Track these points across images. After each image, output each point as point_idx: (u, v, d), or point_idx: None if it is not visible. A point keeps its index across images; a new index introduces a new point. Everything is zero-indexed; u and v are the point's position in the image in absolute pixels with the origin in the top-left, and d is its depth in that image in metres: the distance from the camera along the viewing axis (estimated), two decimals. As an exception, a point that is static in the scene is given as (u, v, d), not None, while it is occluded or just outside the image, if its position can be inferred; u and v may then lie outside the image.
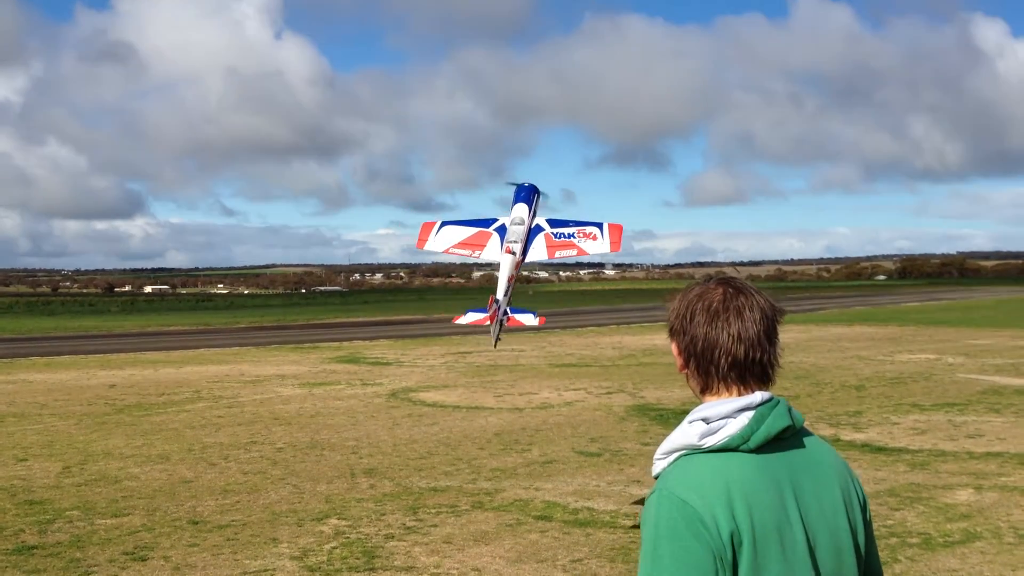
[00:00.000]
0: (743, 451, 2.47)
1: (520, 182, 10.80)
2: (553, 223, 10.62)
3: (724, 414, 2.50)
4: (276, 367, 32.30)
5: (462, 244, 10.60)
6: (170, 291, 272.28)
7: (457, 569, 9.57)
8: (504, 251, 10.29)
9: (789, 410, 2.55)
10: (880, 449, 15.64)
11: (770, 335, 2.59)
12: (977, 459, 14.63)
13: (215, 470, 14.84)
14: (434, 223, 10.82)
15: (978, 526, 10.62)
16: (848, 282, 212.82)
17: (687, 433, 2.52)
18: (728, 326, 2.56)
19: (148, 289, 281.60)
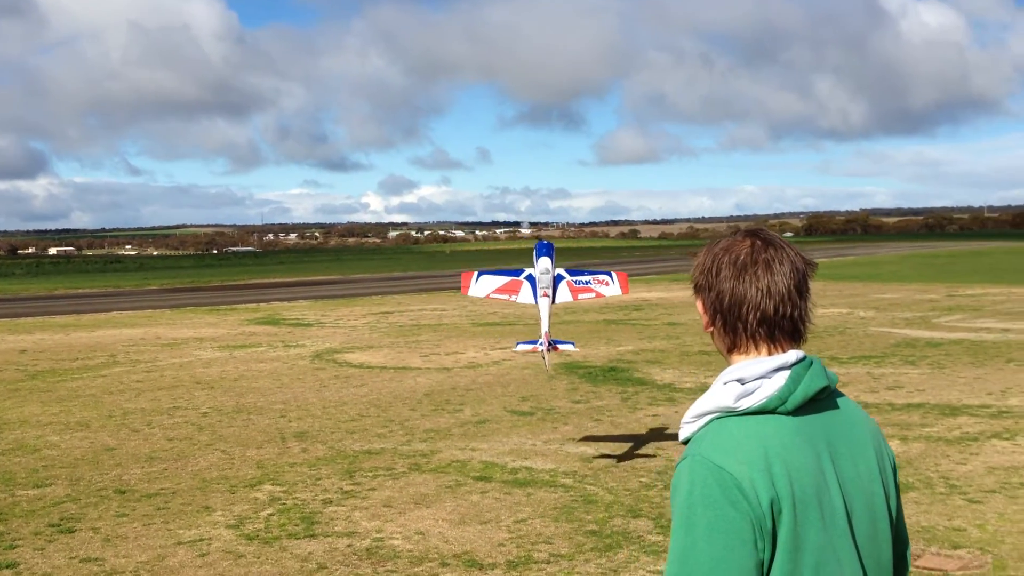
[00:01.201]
0: (780, 413, 2.36)
1: (541, 241, 13.19)
2: (571, 272, 12.82)
3: (759, 374, 2.37)
4: (193, 330, 31.60)
5: (499, 290, 12.72)
6: (76, 253, 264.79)
7: (400, 532, 9.43)
8: (542, 295, 12.42)
9: (824, 369, 2.44)
10: (806, 403, 15.90)
11: (801, 290, 2.47)
12: (899, 410, 14.95)
13: (139, 437, 14.42)
14: (472, 273, 13.00)
15: (909, 476, 10.83)
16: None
17: (721, 395, 2.39)
18: (756, 280, 2.43)
19: (53, 251, 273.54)
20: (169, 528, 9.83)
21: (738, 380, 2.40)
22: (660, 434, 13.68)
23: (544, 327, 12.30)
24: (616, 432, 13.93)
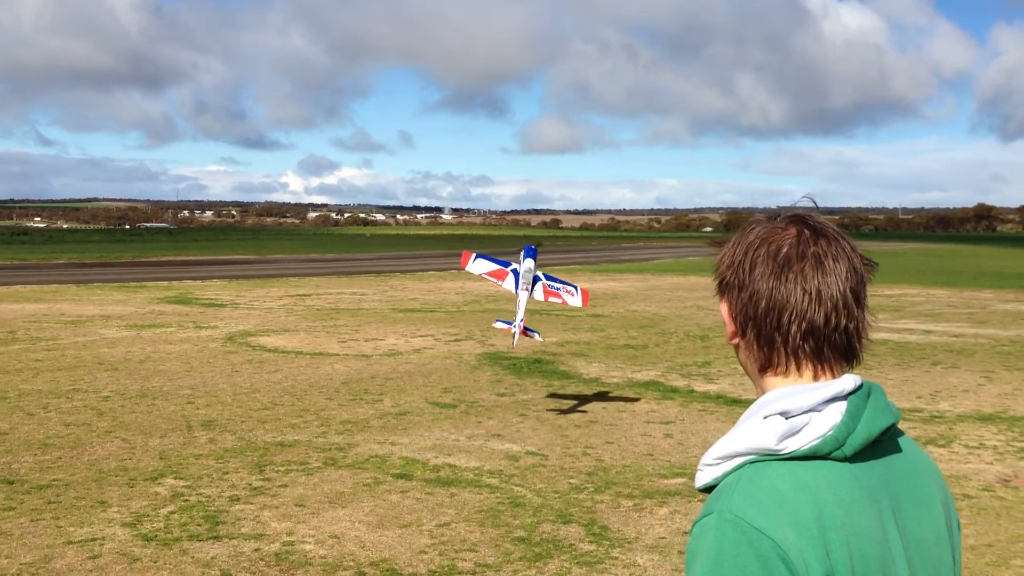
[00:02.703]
0: (834, 459, 1.77)
1: (529, 245, 15.35)
2: (548, 277, 15.17)
3: (808, 406, 1.78)
4: (100, 307, 30.25)
5: (491, 274, 15.14)
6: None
7: (313, 536, 8.73)
8: (522, 289, 14.61)
9: (887, 401, 1.86)
10: (735, 401, 15.55)
11: (859, 296, 1.88)
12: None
13: (33, 421, 13.43)
14: (471, 253, 15.57)
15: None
16: (678, 233, 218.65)
17: (760, 432, 1.78)
18: (803, 280, 1.84)
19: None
20: (59, 525, 8.99)
21: (781, 413, 1.81)
22: (589, 432, 13.16)
23: (520, 315, 14.28)
24: (543, 428, 13.37)
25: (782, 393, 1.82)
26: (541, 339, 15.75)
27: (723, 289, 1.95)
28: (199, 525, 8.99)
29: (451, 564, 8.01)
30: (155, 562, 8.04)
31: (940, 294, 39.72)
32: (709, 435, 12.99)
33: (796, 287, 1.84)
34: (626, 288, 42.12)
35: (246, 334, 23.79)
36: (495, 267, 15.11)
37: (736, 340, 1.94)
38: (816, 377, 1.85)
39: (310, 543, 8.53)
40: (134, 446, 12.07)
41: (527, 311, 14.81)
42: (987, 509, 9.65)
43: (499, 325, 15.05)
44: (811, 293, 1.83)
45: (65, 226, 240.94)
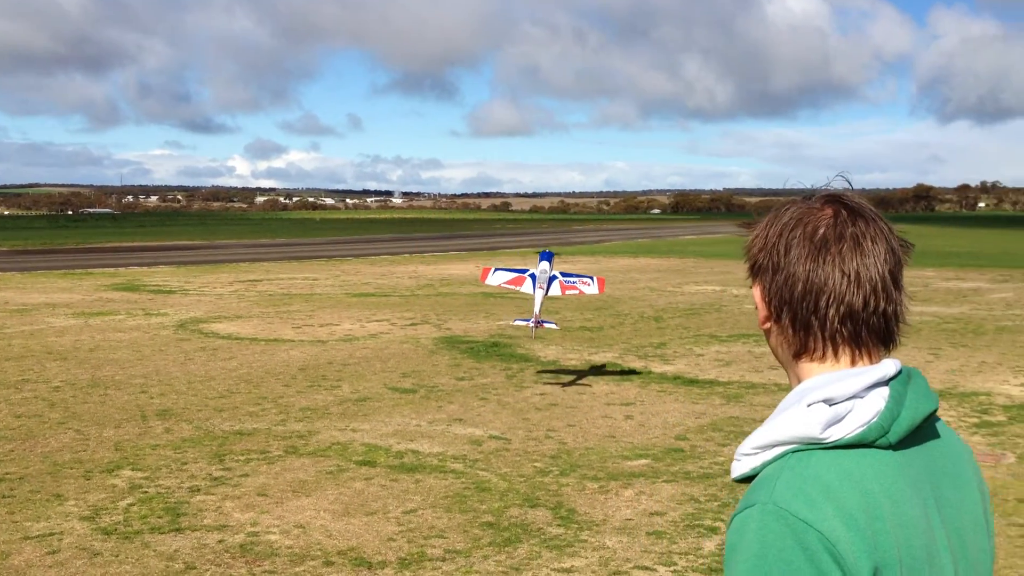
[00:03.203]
0: (878, 447, 1.73)
1: (545, 251, 17.40)
2: (564, 275, 17.09)
3: (851, 393, 1.73)
4: (45, 295, 29.65)
5: (510, 282, 17.01)
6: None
7: (277, 526, 8.61)
8: (538, 287, 16.46)
9: (928, 385, 1.82)
10: (692, 381, 15.62)
11: (897, 278, 1.83)
12: (786, 390, 14.75)
13: (-18, 414, 13.11)
14: (490, 268, 17.63)
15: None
16: (627, 215, 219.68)
17: (803, 420, 1.72)
18: (842, 262, 1.78)
19: None
20: (15, 520, 8.77)
21: (825, 400, 1.75)
22: (550, 415, 13.14)
23: (536, 310, 16.15)
24: (504, 412, 13.33)
25: (824, 379, 1.77)
26: (556, 327, 17.47)
27: (756, 272, 1.89)
28: (160, 517, 8.83)
29: (420, 551, 7.94)
30: (116, 556, 7.88)
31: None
32: (669, 415, 13.05)
33: (834, 269, 1.78)
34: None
35: (198, 321, 23.46)
36: (512, 275, 17.17)
37: (768, 325, 1.88)
38: (854, 362, 1.81)
39: (275, 533, 8.41)
40: (88, 437, 11.83)
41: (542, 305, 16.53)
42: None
43: (518, 323, 17.15)
44: (850, 275, 1.78)
45: (6, 212, 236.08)
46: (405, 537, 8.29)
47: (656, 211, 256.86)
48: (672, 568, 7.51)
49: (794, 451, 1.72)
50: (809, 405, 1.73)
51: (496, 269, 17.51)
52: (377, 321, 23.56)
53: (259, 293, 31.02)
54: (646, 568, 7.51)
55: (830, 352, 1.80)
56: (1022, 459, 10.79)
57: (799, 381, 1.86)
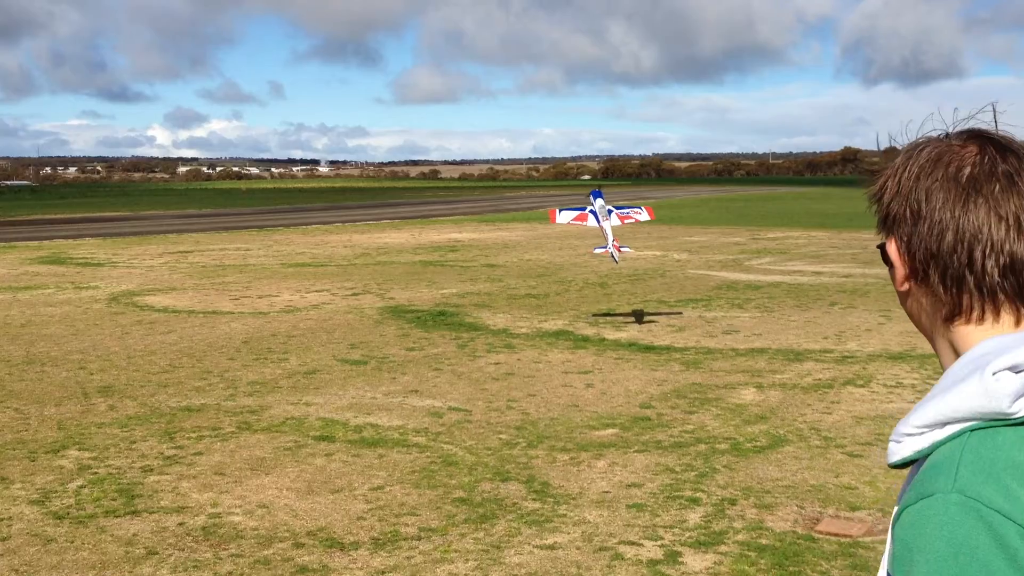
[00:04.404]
0: None
1: (595, 190, 19.81)
2: (619, 207, 19.57)
3: None
4: (-33, 269, 28.49)
5: (576, 218, 19.14)
6: None
7: (239, 506, 8.21)
8: (603, 220, 18.51)
9: None
10: (648, 348, 15.47)
11: None
12: (744, 356, 14.72)
13: (-91, 394, 12.43)
14: (555, 209, 19.82)
15: (779, 428, 10.44)
16: (558, 181, 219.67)
17: (986, 391, 1.42)
18: (996, 204, 1.50)
19: None
20: (-46, 507, 8.25)
21: (1011, 368, 1.46)
22: (508, 385, 12.86)
23: (610, 237, 18.19)
24: (460, 383, 13.02)
25: (1002, 344, 1.48)
26: (630, 251, 20.54)
27: (889, 224, 1.60)
28: (113, 500, 8.37)
29: (393, 530, 7.62)
30: (72, 542, 7.43)
31: (820, 236, 40.71)
32: (630, 383, 12.87)
33: (989, 213, 1.50)
34: (516, 237, 41.92)
35: (131, 294, 22.71)
36: (577, 213, 19.28)
37: (908, 285, 1.59)
38: (1019, 323, 1.53)
39: (238, 514, 8.02)
40: (28, 416, 11.27)
41: (614, 234, 18.49)
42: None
43: (598, 251, 19.20)
44: (1007, 219, 1.50)
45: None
46: (375, 515, 7.95)
47: (586, 177, 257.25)
48: (659, 543, 7.28)
49: (973, 428, 1.44)
50: (995, 373, 1.43)
51: (562, 209, 19.77)
52: (317, 291, 23.05)
53: (191, 264, 30.20)
54: (633, 543, 7.27)
55: (990, 312, 1.52)
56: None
57: (953, 349, 1.58)
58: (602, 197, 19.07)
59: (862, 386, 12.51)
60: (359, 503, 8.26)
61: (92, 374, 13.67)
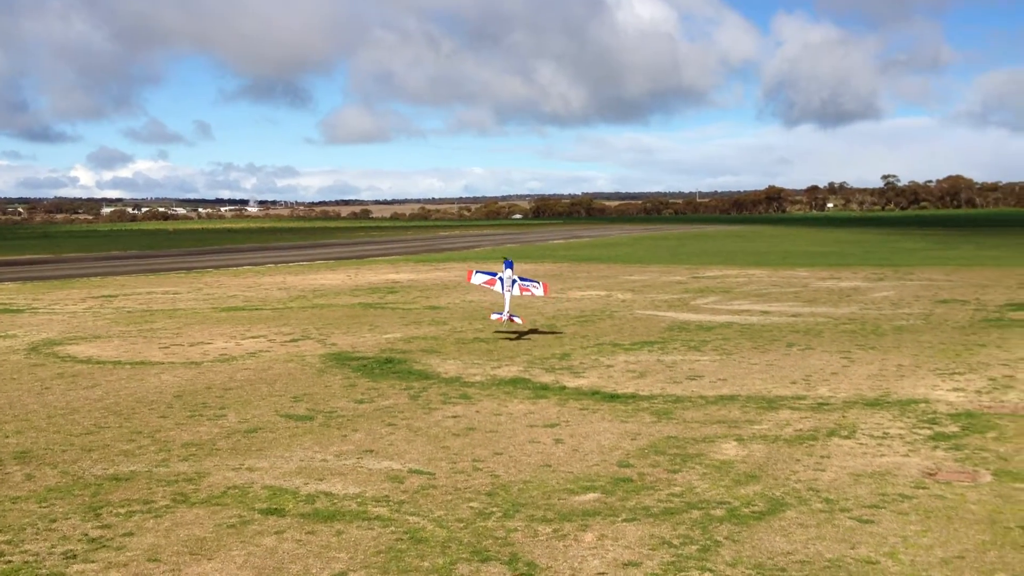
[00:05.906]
0: None
1: (508, 259, 23.22)
2: (522, 278, 22.56)
3: None
4: None
5: (486, 282, 22.82)
6: None
7: (178, 601, 7.04)
8: (505, 290, 22.01)
9: None
10: (613, 396, 14.55)
11: None
12: (714, 404, 13.87)
13: None
14: (472, 270, 23.83)
15: (774, 490, 9.54)
16: (489, 220, 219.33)
17: None
18: None
19: None
20: None
21: None
22: (470, 441, 11.81)
23: (506, 308, 21.41)
24: (418, 440, 11.94)
25: None
26: (521, 322, 22.15)
27: None
28: (28, 597, 7.15)
29: (362, 629, 6.53)
30: (-25, 658, 6.22)
31: (759, 274, 40.39)
32: (601, 438, 11.91)
33: None
34: (455, 278, 40.91)
35: (52, 343, 21.21)
36: (488, 277, 22.93)
37: None
38: None
39: (177, 612, 6.86)
40: (-70, 492, 9.92)
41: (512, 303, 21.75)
42: (935, 512, 8.89)
43: (494, 317, 21.80)
44: None
45: None
46: (339, 609, 6.85)
47: (518, 216, 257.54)
48: (674, 637, 6.30)
49: None
50: None
51: (477, 271, 23.51)
52: (253, 337, 21.77)
53: (116, 310, 28.66)
54: (644, 639, 6.27)
55: None
56: (999, 476, 10.01)
57: None
58: (512, 268, 22.48)
59: (847, 437, 11.70)
60: (318, 594, 7.14)
61: (7, 436, 12.33)
